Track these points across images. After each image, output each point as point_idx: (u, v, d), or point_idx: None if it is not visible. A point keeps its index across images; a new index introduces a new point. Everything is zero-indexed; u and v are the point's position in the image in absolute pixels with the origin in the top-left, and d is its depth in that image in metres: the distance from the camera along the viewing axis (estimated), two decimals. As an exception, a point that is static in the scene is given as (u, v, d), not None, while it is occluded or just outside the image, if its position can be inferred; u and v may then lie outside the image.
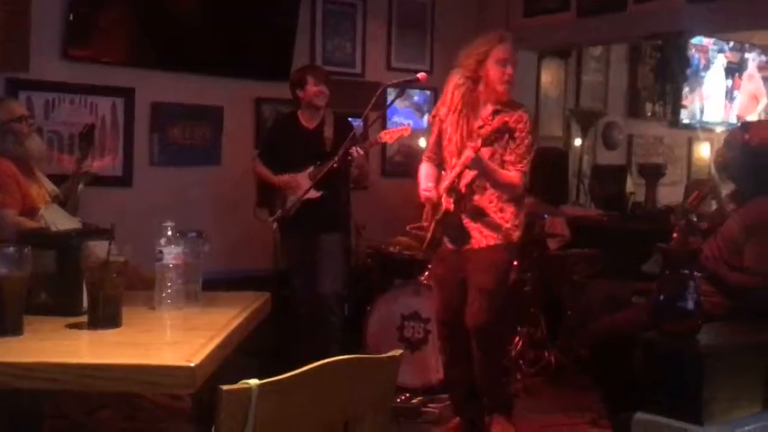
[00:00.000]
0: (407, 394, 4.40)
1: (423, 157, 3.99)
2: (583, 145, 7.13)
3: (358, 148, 4.26)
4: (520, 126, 3.69)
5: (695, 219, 3.56)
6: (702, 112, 7.43)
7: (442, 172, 3.84)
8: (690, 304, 3.21)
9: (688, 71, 6.82)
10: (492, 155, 3.68)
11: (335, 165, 4.13)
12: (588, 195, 6.76)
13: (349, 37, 5.97)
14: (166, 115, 5.16)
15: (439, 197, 3.72)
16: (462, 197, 3.71)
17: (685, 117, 7.66)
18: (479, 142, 3.52)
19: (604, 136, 7.65)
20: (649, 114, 7.98)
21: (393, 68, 6.03)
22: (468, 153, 3.54)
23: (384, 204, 5.76)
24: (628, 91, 7.84)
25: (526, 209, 5.15)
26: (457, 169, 3.65)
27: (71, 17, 4.67)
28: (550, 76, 7.07)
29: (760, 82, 6.81)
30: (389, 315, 4.65)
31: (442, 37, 6.21)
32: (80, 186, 3.95)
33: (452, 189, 3.69)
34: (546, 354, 5.01)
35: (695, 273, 3.30)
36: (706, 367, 3.10)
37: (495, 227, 3.72)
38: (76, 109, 4.80)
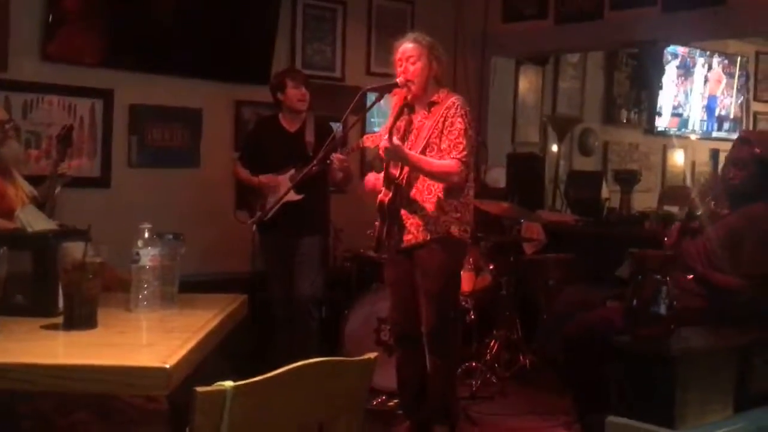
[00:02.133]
0: (383, 397, 4.42)
1: None
2: (559, 151, 7.19)
3: (340, 153, 4.28)
4: (451, 112, 3.67)
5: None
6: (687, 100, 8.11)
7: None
8: (663, 309, 3.26)
9: (674, 69, 7.74)
10: (427, 147, 3.68)
11: (314, 168, 4.14)
12: (564, 200, 6.81)
13: (329, 42, 5.98)
14: (145, 116, 5.15)
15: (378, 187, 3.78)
16: (399, 191, 3.73)
17: (660, 124, 7.82)
18: (388, 129, 3.58)
19: (580, 142, 7.72)
20: (625, 121, 8.06)
21: (372, 73, 6.04)
22: (383, 143, 3.58)
23: (362, 207, 5.76)
24: (604, 98, 7.92)
25: (500, 210, 5.20)
26: (386, 164, 3.69)
27: (50, 18, 4.65)
28: (527, 82, 7.13)
29: (720, 70, 8.45)
30: (366, 318, 4.67)
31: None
32: (58, 187, 3.93)
33: (389, 181, 3.72)
34: (521, 357, 5.05)
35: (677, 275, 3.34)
36: (678, 371, 3.14)
37: (431, 221, 3.70)
38: (55, 110, 4.77)
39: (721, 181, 3.83)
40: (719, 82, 8.52)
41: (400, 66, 3.75)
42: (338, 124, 4.61)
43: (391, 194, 3.74)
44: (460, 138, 3.65)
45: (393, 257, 3.87)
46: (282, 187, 4.43)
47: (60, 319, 2.20)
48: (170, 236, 2.56)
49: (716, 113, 8.58)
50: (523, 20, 6.29)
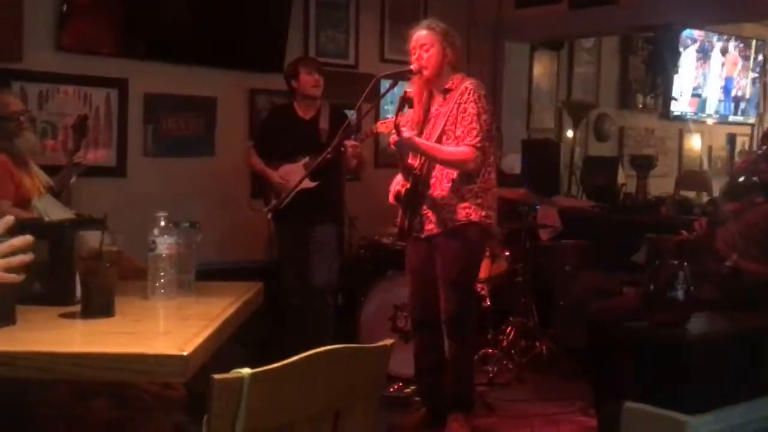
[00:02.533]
0: (400, 383, 4.43)
1: None
2: (574, 136, 7.15)
3: (353, 140, 4.28)
4: (464, 98, 3.67)
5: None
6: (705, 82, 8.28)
7: None
8: (680, 294, 3.24)
9: (693, 53, 8.02)
10: (443, 134, 3.68)
11: (329, 155, 4.14)
12: (579, 186, 6.78)
13: (343, 29, 5.97)
14: (159, 106, 5.16)
15: (398, 182, 3.80)
16: (419, 181, 3.72)
17: (679, 107, 7.83)
18: (393, 124, 3.58)
19: (595, 127, 7.68)
20: (641, 106, 8.02)
21: (386, 60, 6.03)
22: (392, 137, 3.59)
23: (377, 195, 5.73)
24: (620, 83, 7.88)
25: (516, 196, 5.19)
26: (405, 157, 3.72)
27: (64, 7, 4.66)
28: (542, 67, 7.09)
29: (736, 53, 8.61)
30: (382, 305, 4.67)
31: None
32: (73, 177, 3.95)
33: (408, 172, 3.72)
34: (537, 344, 5.04)
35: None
36: (694, 356, 3.14)
37: (451, 209, 3.70)
38: (70, 99, 4.80)
39: (751, 174, 3.79)
40: (735, 64, 8.55)
41: (414, 53, 3.75)
42: (352, 111, 4.61)
43: (410, 184, 3.74)
44: (474, 123, 3.64)
45: (414, 244, 3.88)
46: (296, 174, 4.43)
47: (77, 308, 2.20)
48: (186, 225, 2.56)
49: (732, 95, 8.66)
50: (537, 5, 6.25)
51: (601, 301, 3.84)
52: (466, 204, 3.69)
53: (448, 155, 3.64)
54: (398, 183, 3.90)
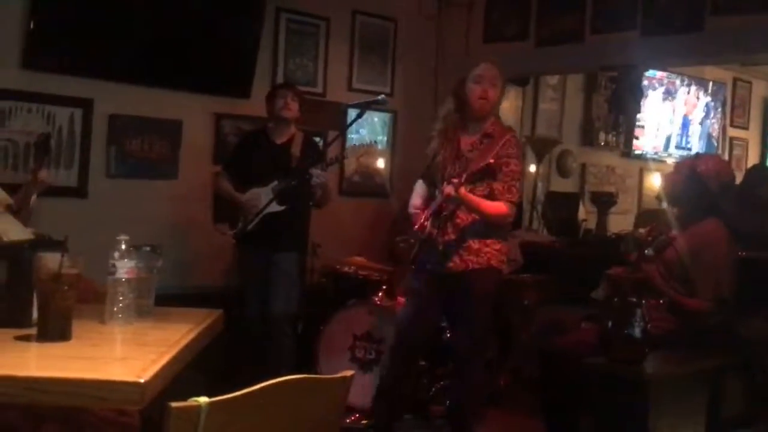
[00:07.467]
0: (357, 415, 4.40)
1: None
2: (537, 171, 7.22)
3: (319, 169, 4.31)
4: (507, 152, 3.68)
5: (650, 251, 3.65)
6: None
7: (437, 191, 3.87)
8: (637, 332, 3.28)
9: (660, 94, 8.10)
10: (478, 182, 3.66)
11: (293, 183, 4.15)
12: (541, 221, 6.84)
13: (312, 57, 5.99)
14: (124, 127, 5.12)
15: (426, 218, 3.77)
16: (446, 221, 3.74)
17: (644, 143, 7.98)
18: (462, 179, 3.52)
19: (558, 163, 7.76)
20: (603, 144, 8.13)
21: (354, 89, 6.06)
22: (447, 189, 3.57)
23: (340, 223, 5.77)
24: (583, 121, 7.98)
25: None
26: (440, 200, 3.70)
27: (32, 26, 4.63)
28: (507, 103, 7.14)
29: (696, 95, 8.84)
30: (342, 335, 4.66)
31: (403, 60, 6.28)
32: (34, 196, 3.90)
33: (437, 215, 3.74)
34: (496, 377, 5.04)
35: (647, 299, 3.37)
36: (651, 393, 3.17)
37: (475, 252, 3.73)
38: (33, 118, 4.75)
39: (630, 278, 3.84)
40: (695, 106, 8.70)
41: (477, 82, 3.77)
42: (319, 139, 4.63)
43: (438, 226, 3.74)
44: (515, 182, 3.70)
45: (426, 275, 3.85)
46: (265, 198, 4.42)
47: (34, 331, 2.17)
48: (147, 248, 2.54)
49: (693, 137, 8.82)
50: (504, 41, 6.33)
51: (556, 337, 3.87)
52: (488, 249, 3.74)
53: (492, 210, 3.67)
54: (418, 208, 3.90)
